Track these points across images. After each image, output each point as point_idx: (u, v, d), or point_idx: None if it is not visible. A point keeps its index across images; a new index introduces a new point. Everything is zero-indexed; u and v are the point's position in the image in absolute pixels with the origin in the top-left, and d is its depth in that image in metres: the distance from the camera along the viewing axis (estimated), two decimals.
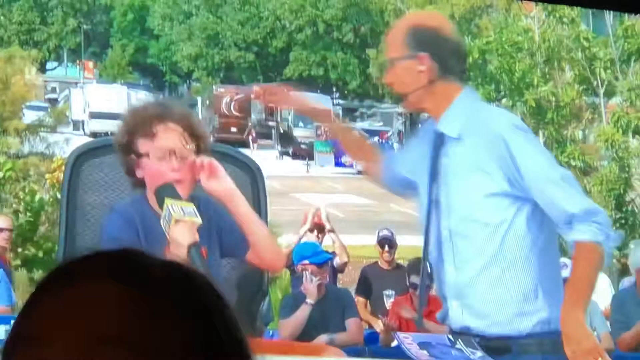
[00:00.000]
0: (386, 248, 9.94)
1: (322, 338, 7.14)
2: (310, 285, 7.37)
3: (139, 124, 3.26)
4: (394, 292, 9.49)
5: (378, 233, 10.29)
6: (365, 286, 9.90)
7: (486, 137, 3.49)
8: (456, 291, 3.59)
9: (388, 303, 9.36)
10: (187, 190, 3.23)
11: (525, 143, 3.48)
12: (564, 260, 4.51)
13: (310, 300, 7.33)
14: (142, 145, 3.25)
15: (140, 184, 3.33)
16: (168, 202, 3.07)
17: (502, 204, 3.49)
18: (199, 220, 3.08)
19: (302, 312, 7.32)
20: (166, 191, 3.14)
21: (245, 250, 3.38)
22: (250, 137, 47.64)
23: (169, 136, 3.24)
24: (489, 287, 3.55)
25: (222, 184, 3.27)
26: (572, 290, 3.48)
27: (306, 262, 7.61)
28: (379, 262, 10.06)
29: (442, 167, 3.59)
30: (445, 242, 3.58)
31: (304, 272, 7.56)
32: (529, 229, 3.51)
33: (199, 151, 3.31)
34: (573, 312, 3.41)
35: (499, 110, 3.66)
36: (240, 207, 3.33)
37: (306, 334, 7.28)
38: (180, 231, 3.05)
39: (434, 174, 3.62)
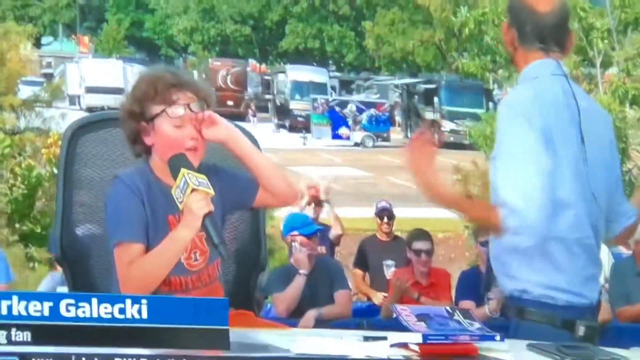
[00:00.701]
0: (385, 219, 9.95)
1: (311, 313, 7.07)
2: (300, 254, 7.31)
3: (156, 91, 3.23)
4: (394, 262, 9.49)
5: (376, 205, 10.29)
6: (363, 259, 9.90)
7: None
8: None
9: (388, 273, 9.35)
10: (198, 159, 3.23)
11: (502, 120, 3.54)
12: None
13: (303, 271, 7.27)
14: (158, 112, 3.23)
15: (144, 152, 3.31)
16: (184, 172, 3.07)
17: None
18: (212, 191, 3.08)
19: (297, 284, 7.24)
20: (180, 161, 3.14)
21: (253, 193, 3.36)
22: (250, 111, 47.55)
23: (188, 104, 3.24)
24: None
25: (223, 129, 3.28)
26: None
27: (295, 232, 7.57)
28: (377, 234, 10.06)
29: None
30: None
31: (292, 243, 7.52)
32: None
33: None
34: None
35: (524, 86, 3.64)
36: (245, 143, 3.33)
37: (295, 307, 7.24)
38: (196, 201, 3.04)
39: None
